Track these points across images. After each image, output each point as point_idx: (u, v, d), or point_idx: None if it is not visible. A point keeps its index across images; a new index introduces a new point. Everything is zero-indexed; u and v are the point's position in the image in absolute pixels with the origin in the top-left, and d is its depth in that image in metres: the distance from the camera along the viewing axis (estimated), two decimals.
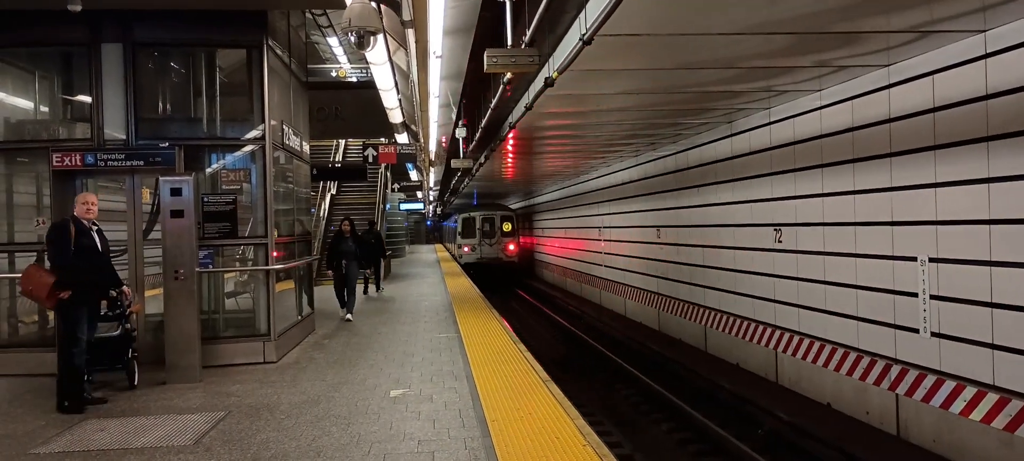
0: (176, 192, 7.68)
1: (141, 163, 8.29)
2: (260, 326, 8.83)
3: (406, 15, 6.88)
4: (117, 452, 5.39)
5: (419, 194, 40.61)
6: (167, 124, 8.84)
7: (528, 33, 6.40)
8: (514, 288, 29.84)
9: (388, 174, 25.58)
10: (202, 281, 8.55)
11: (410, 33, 7.38)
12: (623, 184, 18.63)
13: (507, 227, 30.86)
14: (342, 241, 13.22)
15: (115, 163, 8.28)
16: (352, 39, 5.73)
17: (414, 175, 26.85)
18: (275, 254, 10.11)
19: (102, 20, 8.37)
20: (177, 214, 7.67)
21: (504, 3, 5.85)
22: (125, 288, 7.36)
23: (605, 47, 6.44)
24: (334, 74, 17.39)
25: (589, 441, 5.33)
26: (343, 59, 19.22)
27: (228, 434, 5.74)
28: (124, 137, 8.44)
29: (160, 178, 7.85)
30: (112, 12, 8.31)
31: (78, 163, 8.24)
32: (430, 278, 21.97)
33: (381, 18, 6.01)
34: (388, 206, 27.70)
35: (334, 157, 25.61)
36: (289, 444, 5.44)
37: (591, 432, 5.59)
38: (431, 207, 57.09)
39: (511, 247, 30.66)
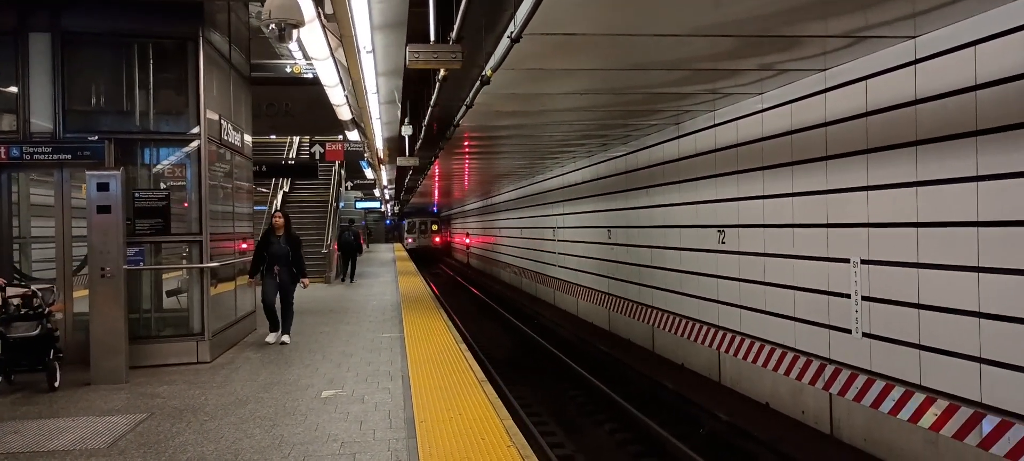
0: (103, 187, 7.47)
1: (69, 157, 8.04)
2: (194, 325, 8.63)
3: (328, 8, 6.76)
4: (27, 455, 5.20)
5: (376, 192, 40.29)
6: (98, 117, 8.58)
7: (455, 29, 6.33)
8: (438, 263, 48.69)
9: (342, 172, 25.28)
10: (135, 279, 8.34)
11: (335, 27, 7.26)
12: (576, 185, 18.67)
13: (435, 228, 54.64)
14: (272, 241, 9.83)
15: (41, 156, 8.03)
16: (272, 31, 5.60)
17: (369, 173, 26.59)
18: (244, 246, 9.96)
19: (30, 8, 8.10)
20: (104, 209, 7.45)
21: None
22: (35, 287, 7.10)
23: (540, 45, 6.40)
24: (289, 70, 17.07)
25: (514, 441, 5.28)
26: (298, 55, 18.90)
27: (146, 437, 5.57)
28: (52, 130, 8.18)
29: (87, 172, 7.61)
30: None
31: (3, 156, 7.98)
32: (384, 277, 21.79)
33: (306, 11, 5.87)
34: (342, 204, 27.38)
35: (288, 154, 25.21)
36: (207, 447, 5.29)
37: (518, 432, 5.54)
38: (388, 206, 56.62)
39: (436, 239, 54.44)
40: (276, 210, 10.08)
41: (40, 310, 7.04)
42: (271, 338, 9.94)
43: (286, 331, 10.00)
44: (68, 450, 5.28)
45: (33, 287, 7.06)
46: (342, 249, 21.05)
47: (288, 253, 9.84)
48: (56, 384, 7.17)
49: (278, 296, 9.89)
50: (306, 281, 10.20)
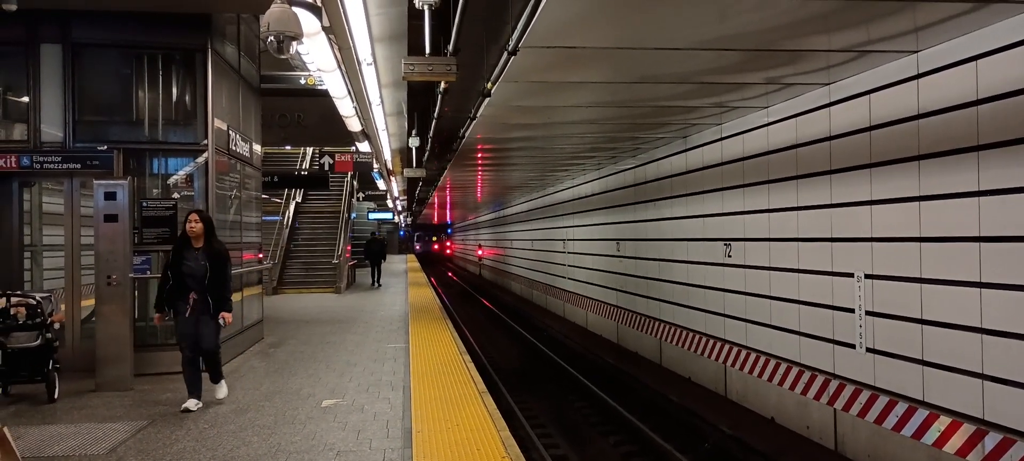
0: (110, 196, 7.57)
1: (78, 166, 8.18)
2: None
3: (325, 21, 6.83)
4: None
5: (389, 203, 40.44)
6: (107, 127, 8.69)
7: (451, 41, 6.39)
8: (440, 265, 62.53)
9: (354, 183, 25.45)
10: (142, 287, 8.43)
11: (334, 39, 7.33)
12: (585, 197, 18.68)
13: (435, 239, 74.03)
14: (185, 256, 6.76)
15: (51, 166, 8.16)
16: (271, 44, 5.66)
17: (381, 184, 26.74)
18: (249, 256, 10.01)
19: (40, 19, 8.24)
20: (111, 218, 7.56)
21: (423, 10, 5.83)
22: (34, 296, 7.14)
23: (541, 58, 6.43)
24: (303, 81, 17.22)
25: (509, 452, 5.29)
26: (314, 66, 19.01)
27: (145, 443, 5.63)
28: (62, 139, 8.31)
29: (95, 182, 7.72)
30: (51, 12, 8.19)
31: (13, 165, 8.13)
32: (395, 288, 21.86)
33: (307, 24, 5.94)
34: (354, 215, 27.54)
35: (301, 165, 25.43)
36: (204, 454, 5.34)
37: (514, 444, 5.55)
38: (402, 217, 56.84)
39: (435, 247, 73.48)
40: (193, 211, 7.13)
41: (40, 320, 7.07)
42: (191, 404, 6.66)
43: (217, 379, 7.10)
44: (67, 456, 5.35)
45: (36, 296, 7.11)
46: (370, 257, 23.60)
47: (207, 271, 6.71)
48: (55, 395, 7.09)
49: (199, 337, 6.76)
50: (227, 317, 6.82)
